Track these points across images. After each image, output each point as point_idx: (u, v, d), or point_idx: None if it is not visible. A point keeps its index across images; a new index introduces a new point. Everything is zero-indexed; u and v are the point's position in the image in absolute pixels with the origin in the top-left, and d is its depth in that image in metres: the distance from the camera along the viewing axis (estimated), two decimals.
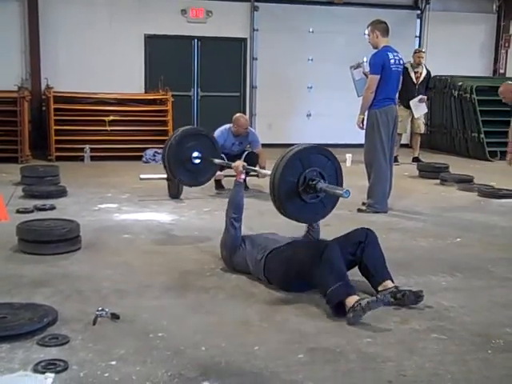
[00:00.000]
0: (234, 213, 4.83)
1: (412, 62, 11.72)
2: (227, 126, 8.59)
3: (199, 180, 6.51)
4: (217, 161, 6.48)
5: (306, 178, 4.41)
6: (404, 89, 10.43)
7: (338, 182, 4.65)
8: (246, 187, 7.88)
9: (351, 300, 3.93)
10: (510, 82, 9.20)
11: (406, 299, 4.14)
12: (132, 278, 4.77)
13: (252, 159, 8.20)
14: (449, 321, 4.05)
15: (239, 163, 5.14)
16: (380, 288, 4.29)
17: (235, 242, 4.85)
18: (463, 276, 5.08)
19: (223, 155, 7.65)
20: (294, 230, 5.16)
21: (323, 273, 4.09)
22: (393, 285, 4.31)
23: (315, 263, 4.13)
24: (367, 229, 4.60)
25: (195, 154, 6.18)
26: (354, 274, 4.49)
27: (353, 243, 4.47)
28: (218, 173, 7.59)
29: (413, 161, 11.80)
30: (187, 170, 6.26)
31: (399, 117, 10.73)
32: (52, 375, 3.13)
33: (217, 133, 8.36)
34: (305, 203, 4.47)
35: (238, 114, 8.80)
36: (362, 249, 4.43)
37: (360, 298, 3.96)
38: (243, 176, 5.01)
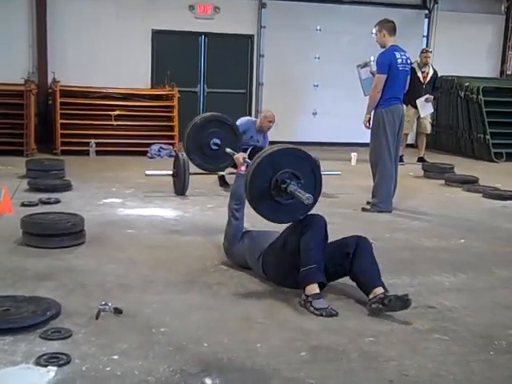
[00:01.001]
0: (236, 204, 4.85)
1: (419, 61, 11.70)
2: (254, 119, 8.62)
3: (209, 166, 6.48)
4: (228, 150, 6.46)
5: (277, 181, 4.34)
6: (411, 88, 10.41)
7: (316, 180, 4.57)
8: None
9: (310, 289, 4.12)
10: None
11: (394, 304, 3.99)
12: (135, 273, 4.78)
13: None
14: (451, 321, 4.05)
15: (240, 155, 5.14)
16: (371, 296, 4.14)
17: (237, 234, 4.88)
18: (466, 277, 5.07)
19: None
20: None
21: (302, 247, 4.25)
22: (382, 291, 4.13)
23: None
24: (358, 237, 4.48)
25: (215, 140, 6.15)
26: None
27: (342, 254, 4.37)
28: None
29: (418, 161, 11.80)
30: (202, 153, 6.24)
31: (406, 116, 10.76)
32: (54, 368, 3.13)
33: (242, 120, 8.41)
34: (280, 204, 4.41)
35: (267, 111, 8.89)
36: (350, 261, 4.31)
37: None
38: (244, 168, 5.00)
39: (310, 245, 4.28)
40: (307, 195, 4.23)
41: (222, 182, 8.53)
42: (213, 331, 3.72)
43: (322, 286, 4.27)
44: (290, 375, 3.22)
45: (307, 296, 4.13)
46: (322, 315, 4.00)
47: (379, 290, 4.11)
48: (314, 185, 4.54)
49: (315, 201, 4.47)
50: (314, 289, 4.15)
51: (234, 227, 4.89)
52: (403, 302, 3.97)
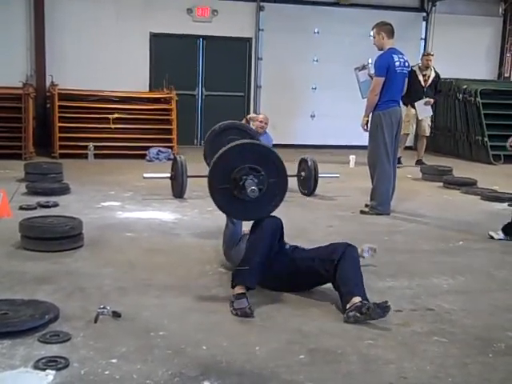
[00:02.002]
0: None
1: (420, 64, 11.75)
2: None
3: None
4: None
5: (235, 179, 4.29)
6: (412, 90, 10.45)
7: (279, 169, 4.43)
8: None
9: (236, 289, 4.15)
10: None
11: (372, 312, 3.87)
12: (134, 276, 4.78)
13: None
14: (450, 324, 4.05)
15: None
16: (348, 305, 3.99)
17: (234, 237, 4.89)
18: (465, 279, 5.08)
19: None
20: (297, 231, 5.16)
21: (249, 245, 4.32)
22: (359, 300, 3.97)
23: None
24: (347, 245, 4.43)
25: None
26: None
27: (328, 260, 4.33)
28: None
29: (416, 163, 11.81)
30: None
31: (405, 116, 10.80)
32: (53, 372, 3.13)
33: None
34: (246, 202, 4.34)
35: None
36: (334, 267, 4.27)
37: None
38: None
39: (250, 247, 4.33)
40: (251, 188, 4.19)
41: None
42: (211, 334, 3.72)
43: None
44: (288, 378, 3.22)
45: (232, 295, 4.16)
46: (237, 315, 4.02)
47: (356, 299, 3.98)
48: (277, 173, 4.42)
49: (283, 189, 4.41)
50: (239, 289, 4.18)
51: (231, 231, 4.89)
52: (382, 309, 3.87)
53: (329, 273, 4.31)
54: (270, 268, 4.38)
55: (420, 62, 11.84)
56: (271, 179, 4.35)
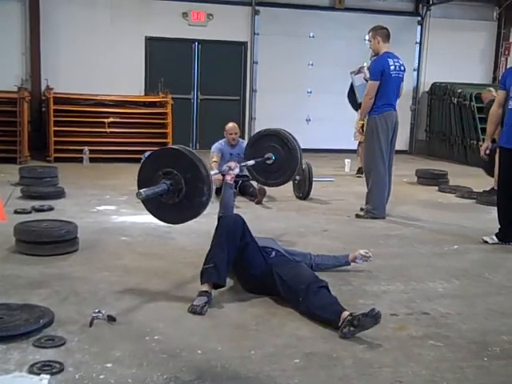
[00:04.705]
0: (221, 211, 4.85)
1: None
2: (221, 140, 8.65)
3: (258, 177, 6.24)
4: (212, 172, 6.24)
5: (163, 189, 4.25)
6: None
7: (192, 163, 4.30)
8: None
9: (202, 286, 4.24)
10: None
11: (364, 323, 3.77)
12: (129, 281, 4.77)
13: (246, 191, 8.34)
14: (445, 328, 4.05)
15: (230, 164, 5.13)
16: (339, 324, 3.84)
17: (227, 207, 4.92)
18: (460, 283, 5.08)
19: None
20: (292, 235, 5.15)
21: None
22: (348, 313, 3.86)
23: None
24: (313, 281, 4.28)
25: (268, 154, 5.93)
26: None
27: (294, 292, 4.22)
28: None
29: (358, 172, 10.83)
30: (257, 164, 5.96)
31: (356, 124, 10.59)
32: (47, 377, 3.12)
33: (213, 147, 8.53)
34: (175, 205, 4.30)
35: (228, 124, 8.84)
36: (301, 300, 4.16)
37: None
38: (229, 178, 5.01)
39: (212, 244, 4.42)
40: (140, 191, 4.16)
41: (217, 189, 8.51)
42: (206, 338, 3.71)
43: None
44: (283, 382, 3.21)
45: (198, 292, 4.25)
46: (188, 310, 4.11)
47: (345, 314, 3.88)
48: (191, 166, 4.27)
49: (202, 179, 4.25)
50: (204, 287, 4.27)
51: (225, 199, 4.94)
52: (372, 317, 3.78)
53: (291, 301, 4.26)
54: (247, 269, 4.51)
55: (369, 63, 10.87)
56: (187, 175, 4.24)
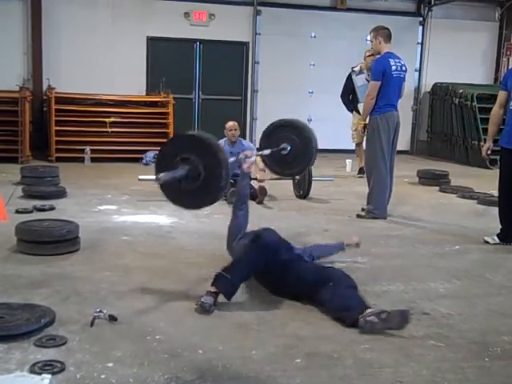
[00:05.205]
0: (237, 201, 4.97)
1: (363, 66, 10.14)
2: (221, 139, 8.65)
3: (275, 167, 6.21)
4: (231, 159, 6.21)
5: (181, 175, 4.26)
6: (354, 96, 10.24)
7: (210, 148, 4.34)
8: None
9: (211, 288, 4.20)
10: None
11: (392, 318, 3.78)
12: (130, 280, 4.77)
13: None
14: (446, 328, 4.05)
15: (246, 153, 5.17)
16: (366, 312, 3.87)
17: (235, 231, 4.98)
18: (461, 283, 5.08)
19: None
20: (293, 235, 5.15)
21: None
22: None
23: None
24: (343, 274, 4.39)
25: (284, 144, 5.87)
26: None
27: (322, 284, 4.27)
28: None
29: (359, 172, 10.68)
30: (272, 153, 5.92)
31: (352, 125, 10.63)
32: (49, 376, 3.12)
33: None
34: (195, 190, 4.30)
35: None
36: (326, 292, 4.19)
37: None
38: (246, 166, 5.04)
39: (238, 260, 4.39)
40: (159, 176, 4.16)
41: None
42: (208, 338, 3.71)
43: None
44: (285, 382, 3.22)
45: (206, 290, 4.23)
46: (196, 304, 4.10)
47: (373, 308, 3.91)
48: (209, 151, 4.32)
49: (221, 164, 4.26)
50: (212, 288, 4.23)
51: (234, 223, 5.01)
52: (403, 317, 3.77)
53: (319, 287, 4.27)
54: (284, 272, 4.43)
55: (364, 62, 10.12)
56: (206, 160, 4.24)
